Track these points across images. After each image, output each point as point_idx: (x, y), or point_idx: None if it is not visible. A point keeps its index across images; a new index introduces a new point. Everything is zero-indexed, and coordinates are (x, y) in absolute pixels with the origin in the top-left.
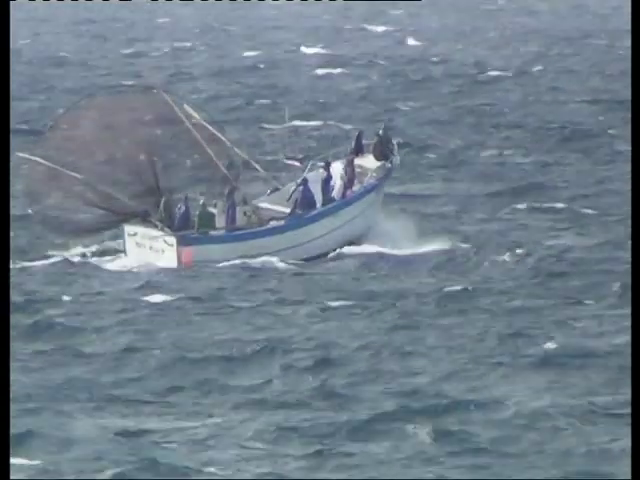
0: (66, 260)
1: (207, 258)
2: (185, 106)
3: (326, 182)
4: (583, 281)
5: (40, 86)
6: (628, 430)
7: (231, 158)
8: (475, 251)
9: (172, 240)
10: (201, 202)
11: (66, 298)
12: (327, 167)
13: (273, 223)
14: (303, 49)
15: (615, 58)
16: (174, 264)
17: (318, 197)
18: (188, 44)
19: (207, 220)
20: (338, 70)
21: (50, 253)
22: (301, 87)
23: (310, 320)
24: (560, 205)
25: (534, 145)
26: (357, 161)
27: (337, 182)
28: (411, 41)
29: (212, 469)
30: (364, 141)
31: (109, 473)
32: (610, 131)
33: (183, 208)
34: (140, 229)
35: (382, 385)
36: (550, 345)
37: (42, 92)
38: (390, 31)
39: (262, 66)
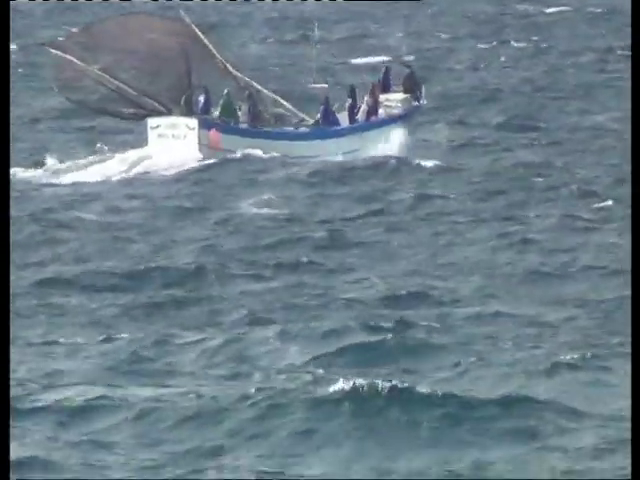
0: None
1: (226, 147)
2: None
3: (351, 107)
4: (556, 184)
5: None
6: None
7: (256, 94)
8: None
9: (193, 123)
10: (225, 92)
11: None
12: (352, 93)
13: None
14: None
15: None
16: (196, 149)
17: (344, 123)
18: None
19: (230, 111)
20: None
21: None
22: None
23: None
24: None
25: (516, 54)
26: (385, 96)
27: (361, 108)
28: None
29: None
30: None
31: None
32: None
33: (203, 98)
34: (163, 120)
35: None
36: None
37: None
38: None
39: None
